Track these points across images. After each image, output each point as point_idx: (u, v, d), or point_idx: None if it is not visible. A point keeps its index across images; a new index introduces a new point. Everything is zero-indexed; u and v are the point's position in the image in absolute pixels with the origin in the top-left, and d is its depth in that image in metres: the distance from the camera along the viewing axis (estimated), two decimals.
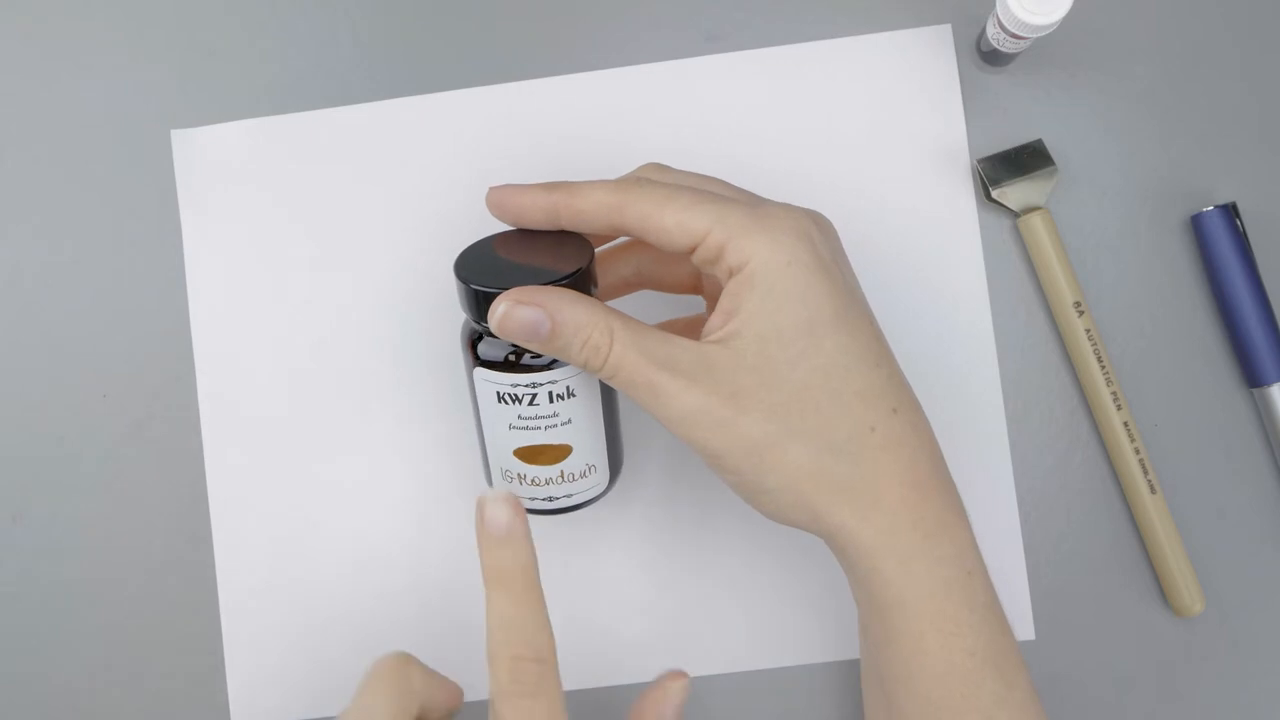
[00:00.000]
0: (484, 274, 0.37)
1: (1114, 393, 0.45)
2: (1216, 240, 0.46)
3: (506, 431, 0.39)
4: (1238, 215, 0.46)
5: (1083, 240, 0.47)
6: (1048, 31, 0.42)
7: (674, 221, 0.36)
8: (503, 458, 0.40)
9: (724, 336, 0.36)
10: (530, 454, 0.39)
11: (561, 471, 0.40)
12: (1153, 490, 0.45)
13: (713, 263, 0.36)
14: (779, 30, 0.48)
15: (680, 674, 0.41)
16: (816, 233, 0.37)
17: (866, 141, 0.47)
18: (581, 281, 0.37)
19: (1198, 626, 0.46)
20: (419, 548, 0.48)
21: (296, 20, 0.49)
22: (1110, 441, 0.46)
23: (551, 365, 0.38)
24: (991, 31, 0.44)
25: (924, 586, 0.36)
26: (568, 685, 0.47)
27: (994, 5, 0.42)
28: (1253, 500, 0.47)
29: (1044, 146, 0.46)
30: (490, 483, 0.42)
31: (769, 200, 0.38)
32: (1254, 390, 0.46)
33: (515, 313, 0.35)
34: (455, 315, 0.47)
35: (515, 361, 0.38)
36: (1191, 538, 0.46)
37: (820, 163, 0.47)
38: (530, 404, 0.38)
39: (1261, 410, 0.46)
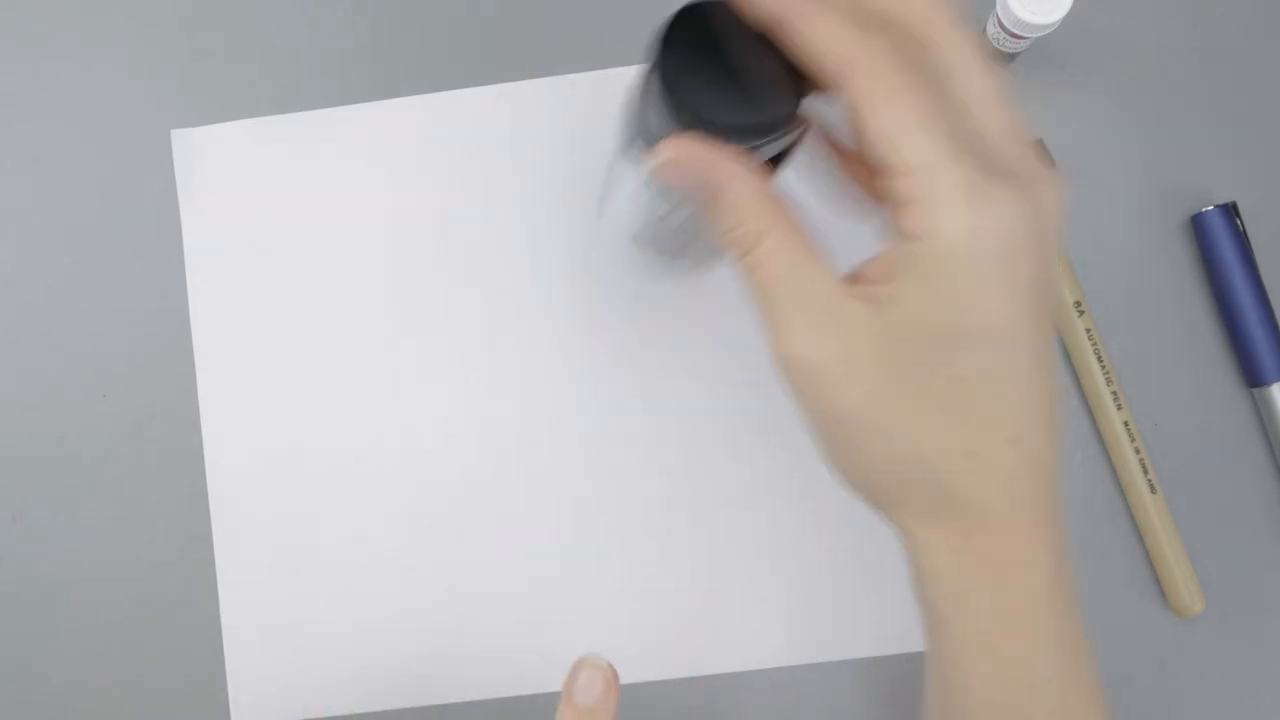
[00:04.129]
0: (690, 75, 0.30)
1: (1114, 393, 0.45)
2: (1216, 240, 0.46)
3: (641, 212, 0.37)
4: (1238, 215, 0.46)
5: (1083, 240, 0.47)
6: (1048, 31, 0.42)
7: (878, 132, 0.29)
8: (630, 229, 0.38)
9: (874, 296, 0.31)
10: (661, 235, 0.37)
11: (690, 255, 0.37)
12: (1153, 490, 0.45)
13: (894, 203, 0.30)
14: None
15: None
16: (1031, 243, 0.30)
17: None
18: (778, 156, 0.32)
19: (1198, 626, 0.46)
20: (420, 548, 0.48)
21: (296, 20, 0.49)
22: (1110, 441, 0.46)
23: None
24: (991, 31, 0.44)
25: (980, 618, 0.33)
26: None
27: (994, 5, 0.42)
28: (1253, 500, 0.47)
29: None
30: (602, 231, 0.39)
31: (1010, 164, 0.30)
32: (1254, 390, 0.46)
33: (675, 170, 0.31)
34: (457, 315, 0.47)
35: None
36: (1191, 538, 0.46)
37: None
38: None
39: (1261, 410, 0.46)
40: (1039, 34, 0.42)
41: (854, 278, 0.32)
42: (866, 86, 0.29)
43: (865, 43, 0.29)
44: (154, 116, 0.49)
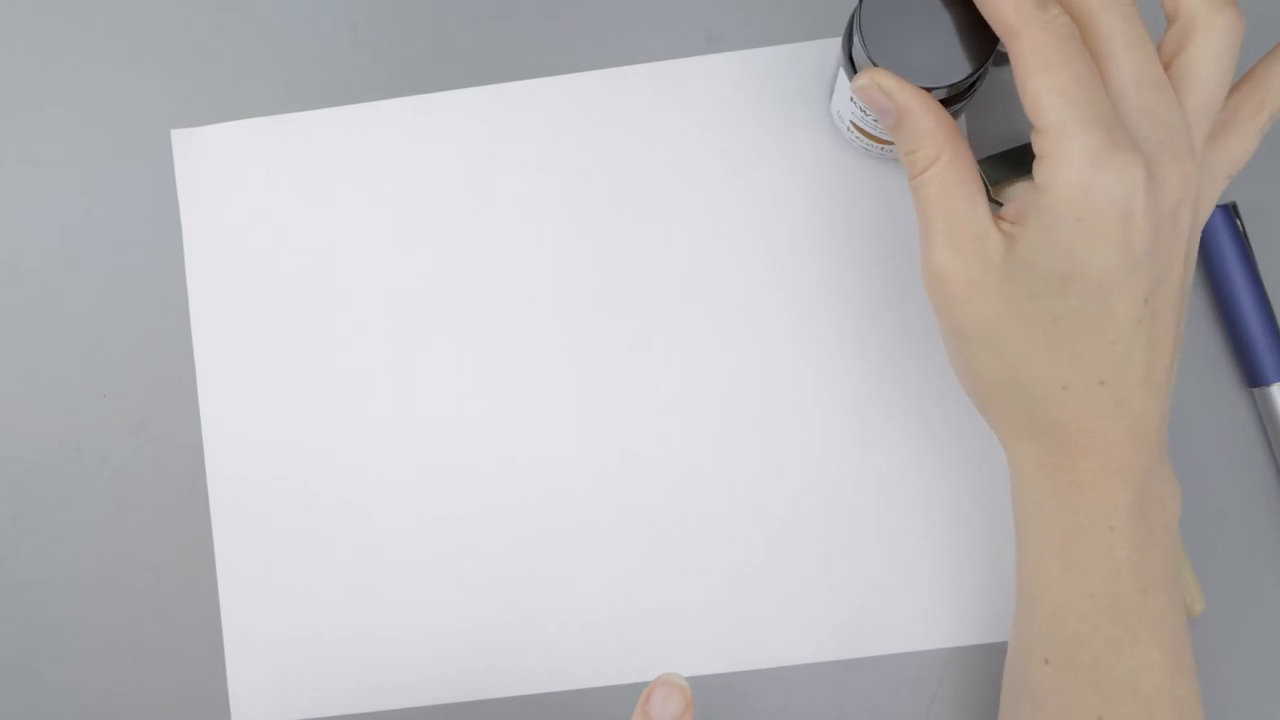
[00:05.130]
0: (886, 18, 0.37)
1: None
2: (1216, 240, 0.46)
3: (851, 110, 0.43)
4: (1238, 215, 0.46)
5: None
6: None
7: (1032, 92, 0.33)
8: (847, 119, 0.44)
9: (1007, 232, 0.35)
10: (868, 131, 0.43)
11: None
12: None
13: (1036, 155, 0.34)
14: (779, 30, 0.48)
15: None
16: (1142, 210, 0.33)
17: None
18: (956, 95, 0.38)
19: (1198, 626, 0.46)
20: (420, 547, 0.48)
21: (296, 20, 0.49)
22: None
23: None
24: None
25: (1055, 525, 0.37)
26: (569, 683, 0.47)
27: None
28: (1253, 500, 0.47)
29: None
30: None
31: (1140, 140, 0.34)
32: (1254, 390, 0.46)
33: (872, 92, 0.37)
34: (458, 315, 0.47)
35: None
36: (1191, 538, 0.46)
37: (820, 162, 0.47)
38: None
39: (1262, 410, 0.46)
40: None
41: (1000, 212, 0.36)
42: (1027, 54, 0.33)
43: (1034, 15, 0.33)
44: (154, 116, 0.49)
